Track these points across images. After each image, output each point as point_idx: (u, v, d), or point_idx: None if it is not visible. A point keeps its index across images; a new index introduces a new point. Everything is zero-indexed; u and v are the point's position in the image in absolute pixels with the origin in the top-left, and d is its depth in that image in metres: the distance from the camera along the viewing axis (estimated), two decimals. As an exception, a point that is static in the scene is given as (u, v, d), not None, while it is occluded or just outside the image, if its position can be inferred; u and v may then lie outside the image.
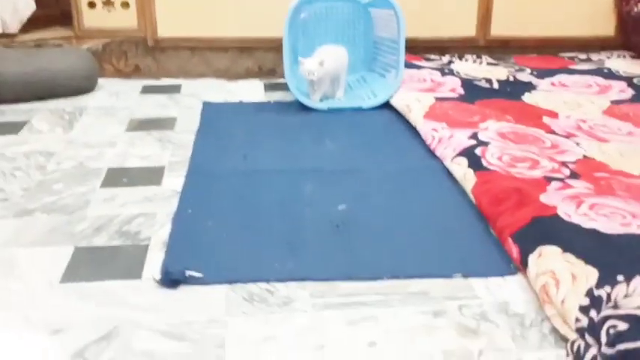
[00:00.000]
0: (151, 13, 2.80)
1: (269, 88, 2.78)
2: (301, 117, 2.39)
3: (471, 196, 1.66)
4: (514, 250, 1.38)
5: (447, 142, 1.94)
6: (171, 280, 1.31)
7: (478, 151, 1.83)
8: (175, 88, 2.73)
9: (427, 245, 1.47)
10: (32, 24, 2.79)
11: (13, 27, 2.70)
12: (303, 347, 1.13)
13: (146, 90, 2.70)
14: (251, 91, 2.74)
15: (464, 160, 1.79)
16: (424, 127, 2.09)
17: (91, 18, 2.82)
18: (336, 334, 1.17)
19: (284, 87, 2.67)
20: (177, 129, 2.24)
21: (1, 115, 2.35)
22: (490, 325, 1.19)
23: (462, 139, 1.93)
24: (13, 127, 2.22)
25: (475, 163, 1.77)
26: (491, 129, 2.02)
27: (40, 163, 1.92)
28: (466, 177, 1.72)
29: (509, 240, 1.41)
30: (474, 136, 1.95)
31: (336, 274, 1.35)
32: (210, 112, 2.41)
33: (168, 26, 2.83)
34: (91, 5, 2.80)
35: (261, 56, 2.94)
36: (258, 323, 1.20)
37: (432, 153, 1.97)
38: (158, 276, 1.33)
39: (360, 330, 1.18)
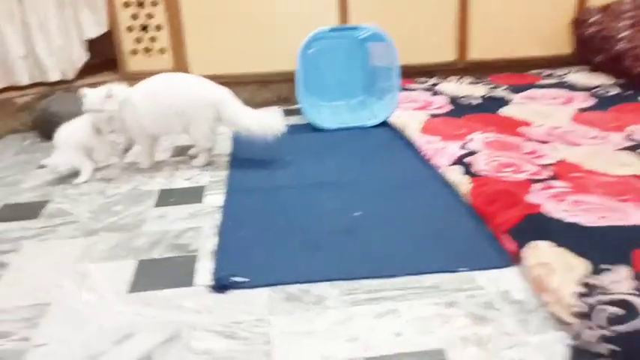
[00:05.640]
0: (183, 57, 2.77)
1: (287, 113, 2.74)
2: (315, 137, 2.35)
3: (466, 199, 1.62)
4: (509, 245, 1.34)
5: (441, 153, 1.89)
6: (221, 285, 1.28)
7: (469, 159, 1.79)
8: (208, 118, 2.69)
9: (433, 243, 1.43)
10: (85, 71, 2.76)
11: (70, 74, 2.67)
12: (339, 339, 1.10)
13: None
14: (271, 116, 2.70)
15: (458, 168, 1.75)
16: (420, 141, 2.05)
17: (134, 63, 2.79)
18: (366, 326, 1.13)
19: (299, 112, 2.64)
20: (213, 152, 2.20)
21: (65, 149, 2.31)
22: (496, 312, 1.15)
23: (454, 149, 1.89)
24: (76, 159, 2.19)
25: (468, 170, 1.73)
26: (477, 140, 1.97)
27: (100, 189, 1.89)
28: (461, 182, 1.68)
29: (505, 236, 1.37)
30: (464, 146, 1.91)
31: (360, 273, 1.31)
32: (239, 136, 2.36)
33: (198, 67, 2.79)
34: (134, 52, 2.77)
35: (277, 87, 2.91)
36: (297, 320, 1.16)
37: (428, 163, 1.93)
38: (209, 282, 1.29)
39: (385, 322, 1.14)
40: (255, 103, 2.88)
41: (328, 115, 2.59)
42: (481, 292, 1.22)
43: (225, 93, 2.00)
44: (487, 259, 1.34)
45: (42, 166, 1.96)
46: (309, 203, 1.70)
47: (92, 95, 1.94)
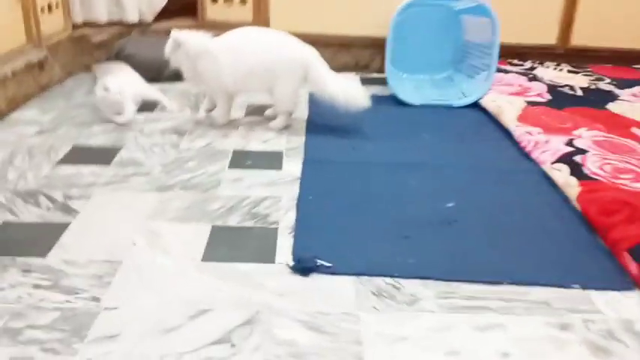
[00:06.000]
0: (265, 10, 2.64)
1: (365, 82, 2.55)
2: (398, 111, 2.20)
3: (575, 204, 1.44)
4: (632, 266, 1.17)
5: (544, 147, 1.72)
6: (303, 267, 1.17)
7: (578, 158, 1.61)
8: (282, 78, 2.56)
9: (539, 251, 1.27)
10: (163, 15, 2.66)
11: (149, 17, 2.58)
12: (438, 351, 0.97)
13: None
14: (349, 83, 2.55)
15: (564, 167, 1.58)
16: (518, 130, 1.87)
17: (213, 11, 2.68)
18: (467, 339, 1.00)
19: (378, 82, 2.50)
20: (292, 115, 2.08)
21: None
22: (619, 344, 1.00)
23: (558, 145, 1.71)
24: (148, 106, 2.11)
25: (577, 170, 1.55)
26: (585, 137, 1.78)
27: (174, 141, 1.80)
28: (569, 184, 1.50)
29: (626, 254, 1.20)
30: (570, 142, 1.72)
31: (457, 274, 1.17)
32: (317, 102, 2.22)
33: (279, 22, 2.65)
34: (214, 0, 2.66)
35: (357, 52, 2.75)
36: (390, 321, 1.04)
37: (526, 155, 1.75)
38: (291, 262, 1.19)
39: (489, 337, 1.01)
40: (333, 67, 2.73)
41: (411, 88, 2.42)
42: (599, 316, 1.07)
43: (315, 54, 1.87)
44: (604, 277, 1.18)
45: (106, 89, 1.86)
46: (396, 185, 1.56)
47: (168, 41, 1.83)
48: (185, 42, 1.80)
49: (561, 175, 1.55)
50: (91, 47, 2.50)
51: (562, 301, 1.11)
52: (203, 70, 1.83)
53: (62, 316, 1.01)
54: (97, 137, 1.81)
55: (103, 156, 1.67)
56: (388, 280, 1.15)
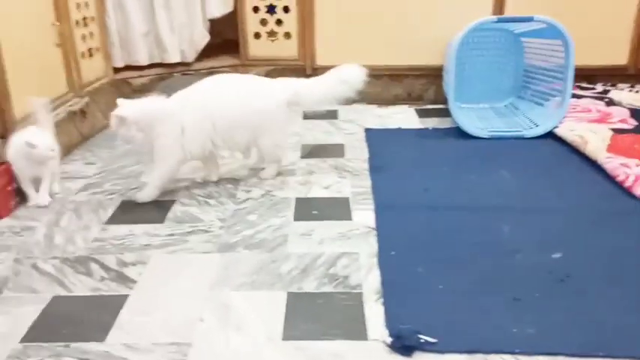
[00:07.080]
0: (310, 44, 2.52)
1: (421, 114, 2.43)
2: (466, 145, 2.03)
3: None
4: None
5: (648, 182, 1.52)
6: (404, 346, 0.99)
7: (695, 195, 1.41)
8: (332, 114, 2.43)
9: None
10: (205, 52, 2.57)
11: (190, 56, 2.49)
12: None
13: (306, 115, 2.41)
14: (404, 116, 2.40)
15: (680, 205, 1.38)
16: (611, 163, 1.67)
17: (257, 47, 2.58)
18: None
19: (436, 113, 2.36)
20: (347, 156, 1.93)
21: (184, 139, 2.13)
22: None
23: (665, 179, 1.51)
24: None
25: (698, 209, 1.35)
26: (693, 168, 1.58)
27: (229, 191, 1.66)
28: (691, 226, 1.31)
29: None
30: (680, 176, 1.52)
31: (592, 348, 0.98)
32: (375, 139, 2.08)
33: (326, 56, 2.53)
34: (257, 36, 2.56)
35: (409, 83, 2.60)
36: (525, 415, 0.86)
37: (625, 191, 1.56)
38: (387, 338, 1.01)
39: None
40: (384, 99, 2.60)
41: (476, 119, 2.25)
42: None
43: (292, 82, 1.75)
44: None
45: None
46: (487, 233, 1.38)
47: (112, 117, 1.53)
48: (127, 116, 1.50)
49: (679, 215, 1.35)
50: (130, 91, 2.41)
51: None
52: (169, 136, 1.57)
53: (131, 421, 0.85)
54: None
55: (155, 212, 1.54)
56: (508, 357, 0.97)
